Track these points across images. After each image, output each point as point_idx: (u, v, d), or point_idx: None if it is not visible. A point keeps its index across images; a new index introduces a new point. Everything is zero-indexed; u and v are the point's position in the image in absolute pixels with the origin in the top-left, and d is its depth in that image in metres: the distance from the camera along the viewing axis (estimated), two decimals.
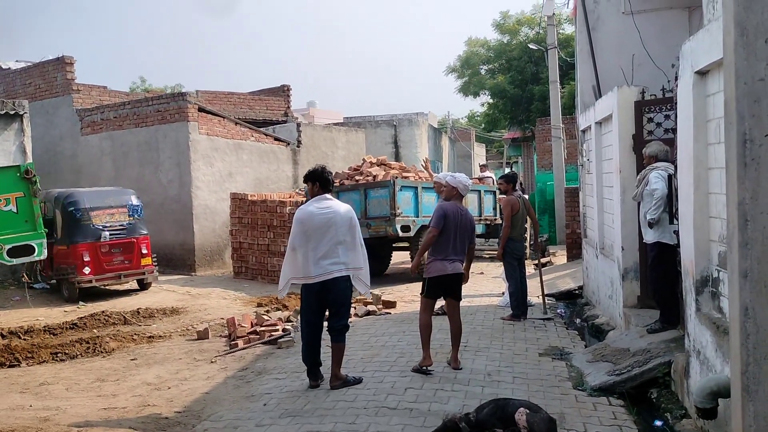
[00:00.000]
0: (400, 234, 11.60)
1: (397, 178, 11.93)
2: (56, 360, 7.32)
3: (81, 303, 10.76)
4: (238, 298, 11.09)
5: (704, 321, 4.32)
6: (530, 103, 25.33)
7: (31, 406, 5.68)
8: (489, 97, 28.82)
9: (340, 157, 18.65)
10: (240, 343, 7.44)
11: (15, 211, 7.34)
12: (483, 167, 19.31)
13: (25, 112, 12.65)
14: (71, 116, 16.42)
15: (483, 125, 37.73)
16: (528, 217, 8.71)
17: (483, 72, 28.29)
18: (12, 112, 12.46)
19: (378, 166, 13.27)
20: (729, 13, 2.68)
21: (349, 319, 5.92)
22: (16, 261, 7.27)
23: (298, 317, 8.98)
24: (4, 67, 18.85)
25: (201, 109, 14.73)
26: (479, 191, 13.99)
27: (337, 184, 12.49)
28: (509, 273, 8.37)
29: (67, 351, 7.46)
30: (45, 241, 7.67)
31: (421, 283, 6.10)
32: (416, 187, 12.05)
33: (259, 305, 10.17)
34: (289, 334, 7.64)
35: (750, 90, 2.57)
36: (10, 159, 12.48)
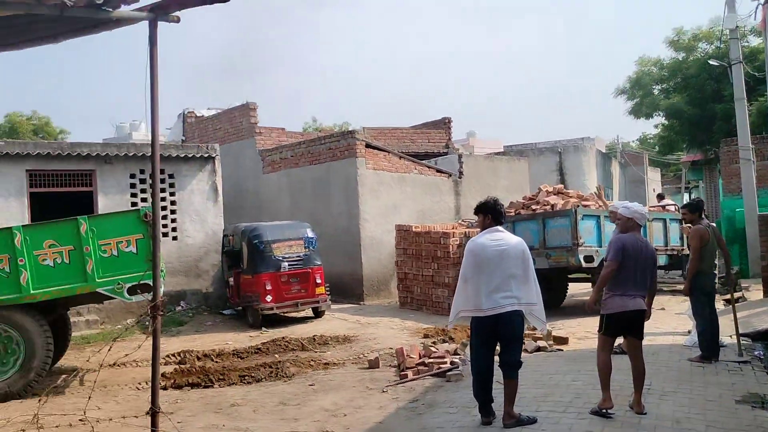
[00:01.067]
0: (583, 264, 11.34)
1: (578, 206, 11.65)
2: (244, 382, 7.94)
3: (264, 329, 11.62)
4: (405, 328, 11.29)
5: None
6: (712, 122, 23.35)
7: (224, 425, 6.20)
8: (663, 118, 27.06)
9: (503, 187, 18.44)
10: (409, 374, 7.55)
11: (135, 251, 7.96)
12: (660, 197, 18.08)
13: (217, 155, 14.16)
14: (254, 156, 18.01)
15: (657, 148, 35.35)
16: (718, 248, 7.96)
17: (656, 92, 26.64)
18: (206, 155, 14.00)
19: (555, 194, 13.10)
20: None
21: None
22: (135, 299, 7.89)
23: (466, 350, 8.96)
24: (198, 114, 21.20)
25: (368, 145, 15.43)
26: (664, 219, 13.24)
27: (513, 213, 12.49)
28: (698, 310, 7.66)
29: (253, 374, 8.07)
30: (163, 280, 8.24)
31: (598, 318, 5.80)
32: (598, 216, 11.74)
33: (426, 336, 10.28)
34: (458, 367, 7.62)
35: None
36: (204, 197, 14.01)
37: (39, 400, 6.20)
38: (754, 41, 23.44)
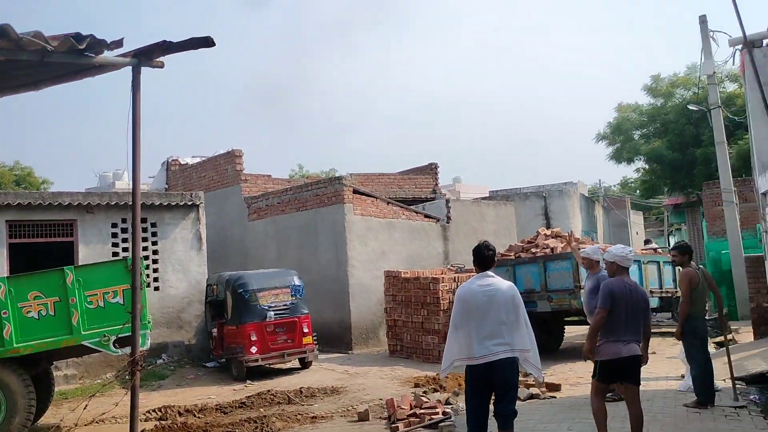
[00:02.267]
0: None
1: (580, 249, 11.73)
2: None
3: (248, 381, 11.27)
4: (395, 377, 11.02)
5: None
6: (692, 166, 23.70)
7: None
8: (644, 162, 27.42)
9: (490, 231, 18.44)
10: (400, 426, 7.30)
11: (122, 302, 7.74)
12: (647, 242, 18.29)
13: (201, 203, 14.01)
14: (240, 204, 17.88)
15: (639, 192, 35.77)
16: (710, 290, 7.89)
17: (636, 137, 27.07)
18: (190, 203, 13.85)
19: (553, 237, 13.23)
20: None
21: None
22: (121, 351, 7.64)
23: (458, 399, 8.72)
24: (182, 162, 21.13)
25: (355, 191, 15.38)
26: (658, 262, 13.33)
27: (512, 256, 12.54)
28: (691, 354, 7.55)
29: (237, 430, 7.75)
30: (149, 332, 8.03)
31: (589, 363, 5.68)
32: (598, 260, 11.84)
33: (417, 385, 10.01)
34: (450, 417, 7.38)
35: None
36: (188, 245, 13.79)
37: None
38: (731, 86, 24.03)
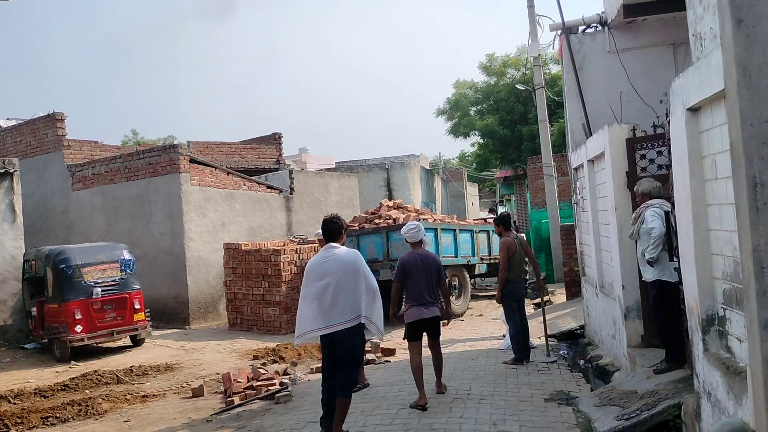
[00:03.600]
0: None
1: (419, 220, 12.22)
2: (47, 425, 7.07)
3: (73, 362, 10.50)
4: (233, 351, 10.86)
5: (713, 361, 4.19)
6: (520, 142, 25.54)
7: None
8: (479, 137, 29.08)
9: (334, 202, 18.64)
10: (236, 399, 7.22)
11: None
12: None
13: (16, 170, 12.68)
14: (62, 172, 16.39)
15: (474, 165, 38.01)
16: (527, 258, 8.62)
17: (472, 113, 28.60)
18: (2, 171, 12.46)
19: (396, 209, 13.83)
20: (729, 54, 2.65)
21: None
22: None
23: (296, 369, 8.80)
24: None
25: (192, 160, 14.72)
26: (488, 231, 14.59)
27: (357, 227, 12.72)
28: (509, 315, 8.23)
29: (58, 414, 7.22)
30: None
31: None
32: (436, 229, 12.82)
33: (255, 357, 9.94)
34: (287, 387, 7.43)
35: (757, 132, 2.52)
36: (0, 217, 12.44)
37: None
38: (555, 68, 26.12)
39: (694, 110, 4.36)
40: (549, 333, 8.94)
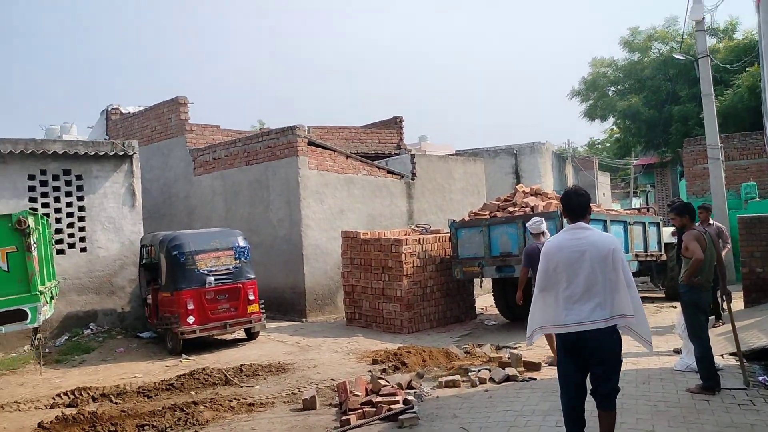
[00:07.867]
0: None
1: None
2: None
3: (184, 356, 9.90)
4: (350, 351, 9.77)
5: None
6: (669, 124, 22.72)
7: None
8: (618, 120, 26.41)
9: (458, 189, 17.18)
10: (353, 419, 6.03)
11: (5, 269, 6.30)
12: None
13: (135, 153, 12.31)
14: (185, 157, 16.20)
15: (615, 151, 34.90)
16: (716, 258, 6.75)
17: (611, 93, 25.97)
18: (122, 153, 12.15)
19: (533, 195, 11.91)
20: None
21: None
22: (4, 329, 6.24)
23: (420, 383, 7.49)
24: (124, 111, 19.18)
25: (311, 143, 13.85)
26: (643, 223, 12.23)
27: (487, 215, 11.25)
28: (695, 331, 6.42)
29: (156, 422, 6.39)
30: (41, 305, 6.50)
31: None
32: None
33: (375, 362, 8.76)
34: (412, 407, 6.13)
35: None
36: (120, 201, 12.16)
37: None
38: (711, 41, 22.98)
39: None
40: (732, 350, 7.02)
